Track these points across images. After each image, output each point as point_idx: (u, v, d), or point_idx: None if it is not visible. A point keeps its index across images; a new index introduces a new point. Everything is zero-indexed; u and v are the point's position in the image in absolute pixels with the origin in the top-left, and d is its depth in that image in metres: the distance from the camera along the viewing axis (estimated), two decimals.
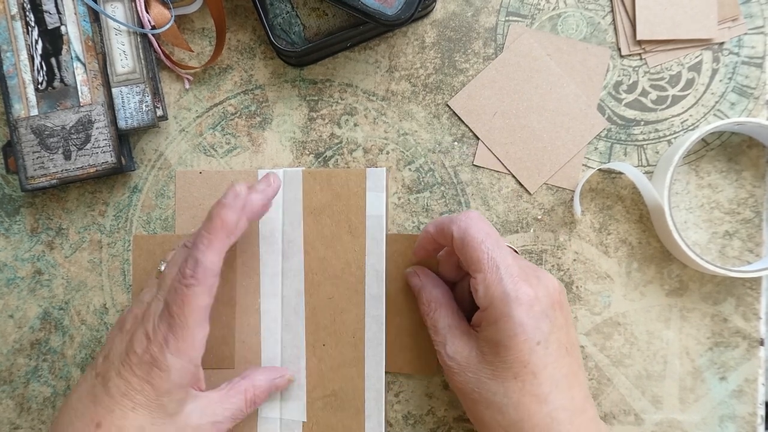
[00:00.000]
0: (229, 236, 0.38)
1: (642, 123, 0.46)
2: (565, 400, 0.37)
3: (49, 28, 0.43)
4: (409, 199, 0.46)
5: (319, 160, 0.46)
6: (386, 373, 0.46)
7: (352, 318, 0.45)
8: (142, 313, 0.39)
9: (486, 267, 0.37)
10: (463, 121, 0.46)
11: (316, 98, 0.46)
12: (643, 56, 0.46)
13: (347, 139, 0.46)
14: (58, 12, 0.43)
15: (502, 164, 0.46)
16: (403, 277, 0.45)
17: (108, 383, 0.38)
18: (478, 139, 0.46)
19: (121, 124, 0.43)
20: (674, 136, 0.46)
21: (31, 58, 0.43)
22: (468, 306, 0.43)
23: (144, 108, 0.43)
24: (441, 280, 0.43)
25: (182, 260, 0.38)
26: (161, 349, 0.37)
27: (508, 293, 0.36)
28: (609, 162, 0.46)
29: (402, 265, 0.45)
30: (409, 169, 0.46)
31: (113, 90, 0.43)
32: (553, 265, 0.46)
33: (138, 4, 0.43)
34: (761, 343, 0.45)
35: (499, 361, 0.37)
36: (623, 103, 0.46)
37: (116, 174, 0.45)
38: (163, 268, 0.41)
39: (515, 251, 0.44)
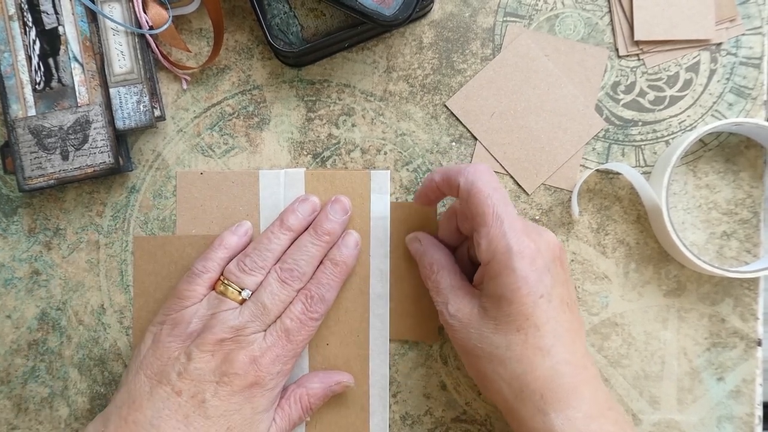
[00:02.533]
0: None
1: (640, 123, 0.46)
2: (568, 354, 0.36)
3: (46, 28, 0.43)
4: (407, 200, 0.46)
5: (317, 160, 0.46)
6: (390, 340, 0.46)
7: (357, 317, 0.45)
8: (222, 334, 0.40)
9: (490, 221, 0.37)
10: (460, 122, 0.46)
11: (314, 99, 0.46)
12: (641, 57, 0.46)
13: (345, 139, 0.46)
14: (56, 12, 0.43)
15: (500, 165, 0.46)
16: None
17: (204, 404, 0.39)
18: (475, 139, 0.46)
19: (119, 124, 0.43)
20: (672, 136, 0.46)
21: (29, 59, 0.43)
22: (468, 270, 0.43)
23: (142, 108, 0.43)
24: (442, 244, 0.43)
25: (303, 295, 0.42)
26: (269, 370, 0.40)
27: (510, 247, 0.36)
28: (607, 162, 0.46)
29: (404, 232, 0.45)
30: (407, 169, 0.46)
31: (111, 90, 0.43)
32: None
33: (135, 5, 0.43)
34: (759, 343, 0.45)
35: (502, 315, 0.36)
36: (621, 103, 0.46)
37: (114, 174, 0.45)
38: (246, 295, 0.42)
39: None
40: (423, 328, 0.46)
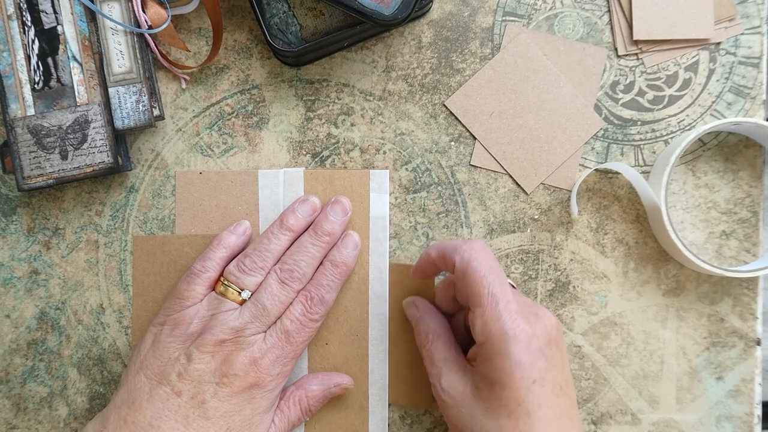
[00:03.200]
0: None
1: (639, 123, 0.46)
2: None
3: (45, 27, 0.43)
4: (406, 199, 0.46)
5: (316, 160, 0.46)
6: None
7: (356, 317, 0.45)
8: (222, 335, 0.40)
9: (485, 302, 0.36)
10: (460, 121, 0.46)
11: (313, 98, 0.46)
12: (640, 56, 0.46)
13: (344, 139, 0.46)
14: (55, 12, 0.43)
15: (499, 164, 0.46)
16: (402, 308, 0.45)
17: (204, 405, 0.39)
18: (474, 139, 0.46)
19: (118, 124, 0.43)
20: (671, 136, 0.46)
21: (28, 58, 0.43)
22: (464, 339, 0.42)
23: (141, 108, 0.43)
24: (439, 312, 0.43)
25: (303, 296, 0.42)
26: (269, 371, 0.40)
27: (505, 330, 0.36)
28: (606, 162, 0.46)
29: (401, 295, 0.45)
30: (406, 169, 0.46)
31: (110, 90, 0.43)
32: (550, 265, 0.46)
33: (134, 4, 0.43)
34: (758, 342, 0.45)
35: (494, 398, 0.36)
36: (620, 103, 0.46)
37: (113, 174, 0.45)
38: (245, 296, 0.42)
39: (513, 286, 0.44)
40: (418, 394, 0.45)
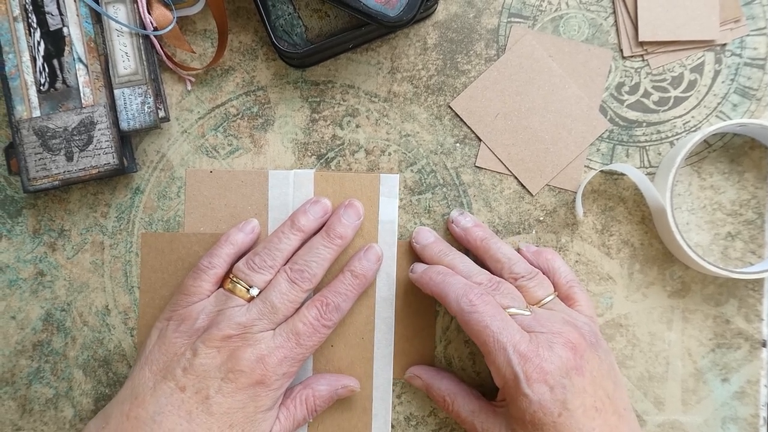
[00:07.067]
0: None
1: (644, 124, 0.46)
2: None
3: (51, 29, 0.43)
4: (411, 201, 0.46)
5: (321, 161, 0.46)
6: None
7: (362, 320, 0.45)
8: (228, 330, 0.40)
9: (493, 349, 0.37)
10: (465, 123, 0.46)
11: (318, 100, 0.46)
12: (645, 57, 0.46)
13: (349, 140, 0.46)
14: (60, 13, 0.43)
15: (504, 166, 0.46)
16: (405, 282, 0.45)
17: (208, 400, 0.39)
18: (480, 140, 0.46)
19: (123, 125, 0.43)
20: (676, 137, 0.46)
21: (34, 60, 0.43)
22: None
23: (146, 109, 0.43)
24: (443, 371, 0.44)
25: (319, 301, 0.42)
26: (275, 370, 0.40)
27: (517, 374, 0.37)
28: (611, 163, 0.46)
29: (404, 268, 0.45)
30: (411, 170, 0.46)
31: (115, 91, 0.43)
32: None
33: (140, 6, 0.43)
34: (763, 344, 0.45)
35: None
36: (625, 104, 0.46)
37: (118, 175, 0.45)
38: (254, 293, 0.42)
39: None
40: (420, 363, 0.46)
